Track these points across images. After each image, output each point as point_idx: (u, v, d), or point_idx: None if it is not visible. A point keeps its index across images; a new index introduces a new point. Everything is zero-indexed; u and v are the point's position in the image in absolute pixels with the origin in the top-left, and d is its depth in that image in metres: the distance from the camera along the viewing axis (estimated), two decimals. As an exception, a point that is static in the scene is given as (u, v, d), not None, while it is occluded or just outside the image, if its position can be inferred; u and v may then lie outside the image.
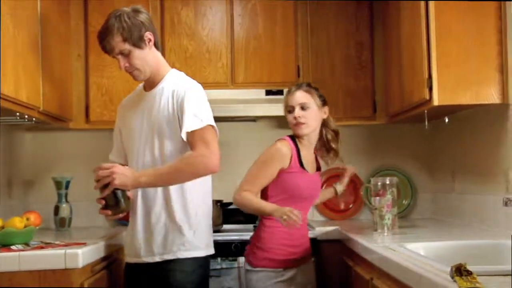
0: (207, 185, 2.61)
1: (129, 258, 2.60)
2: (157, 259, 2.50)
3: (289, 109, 2.76)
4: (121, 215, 2.48)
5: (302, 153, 2.76)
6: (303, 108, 2.73)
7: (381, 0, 3.60)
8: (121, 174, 2.37)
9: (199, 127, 2.42)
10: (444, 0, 2.71)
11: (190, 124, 2.43)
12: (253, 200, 2.66)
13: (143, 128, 2.54)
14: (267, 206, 2.64)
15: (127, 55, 2.50)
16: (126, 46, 2.48)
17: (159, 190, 2.50)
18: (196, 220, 2.52)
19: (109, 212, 2.42)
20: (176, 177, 2.44)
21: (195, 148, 2.41)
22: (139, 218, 2.53)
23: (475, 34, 2.73)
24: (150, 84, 2.59)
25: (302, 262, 2.77)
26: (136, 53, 2.50)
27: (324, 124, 2.82)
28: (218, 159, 2.41)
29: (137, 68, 2.52)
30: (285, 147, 2.71)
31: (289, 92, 2.81)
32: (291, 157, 2.71)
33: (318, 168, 2.89)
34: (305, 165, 2.75)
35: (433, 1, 2.73)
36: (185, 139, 2.44)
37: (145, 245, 2.52)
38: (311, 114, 2.74)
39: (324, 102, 2.79)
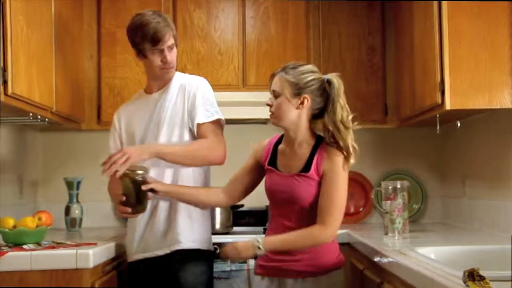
0: (208, 184, 2.75)
1: (135, 256, 2.62)
2: (167, 250, 2.57)
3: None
4: (138, 215, 2.51)
5: (280, 149, 2.44)
6: (275, 96, 2.36)
7: (393, 0, 3.60)
8: (133, 149, 2.47)
9: (210, 119, 2.59)
10: (457, 0, 2.70)
11: (202, 116, 2.58)
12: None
13: (150, 127, 2.64)
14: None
15: (170, 51, 2.61)
16: (173, 42, 2.62)
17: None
18: (199, 214, 2.64)
19: (129, 209, 2.45)
20: (187, 156, 2.56)
21: (206, 138, 2.57)
22: (146, 213, 2.56)
23: (488, 38, 2.72)
24: (160, 84, 2.68)
25: (288, 275, 2.37)
26: (175, 50, 2.65)
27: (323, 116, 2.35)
28: (225, 151, 2.61)
29: (174, 65, 2.66)
30: (264, 141, 2.51)
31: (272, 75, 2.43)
32: (263, 153, 2.47)
33: (307, 169, 2.34)
34: (278, 164, 2.41)
35: (445, 5, 2.72)
36: (195, 130, 2.58)
37: (154, 239, 2.59)
38: (280, 105, 2.34)
39: (300, 92, 2.31)
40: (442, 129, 3.11)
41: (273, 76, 2.39)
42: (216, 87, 3.55)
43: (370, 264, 2.71)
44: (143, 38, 2.56)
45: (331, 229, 2.29)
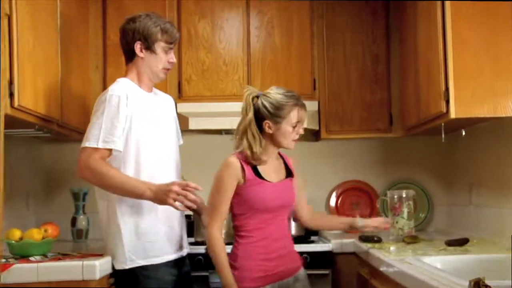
0: None
1: (166, 256, 2.60)
2: (188, 250, 2.78)
3: (294, 125, 2.54)
4: None
5: (265, 165, 2.55)
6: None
7: (398, 1, 3.60)
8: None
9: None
10: (461, 0, 2.72)
11: (181, 137, 2.90)
12: (219, 255, 2.47)
13: (164, 126, 2.73)
14: (226, 275, 2.45)
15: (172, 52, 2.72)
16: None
17: None
18: None
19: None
20: None
21: None
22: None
23: (492, 46, 2.72)
24: (150, 86, 2.75)
25: (285, 275, 2.55)
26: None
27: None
28: None
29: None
30: (233, 160, 2.52)
31: (300, 104, 2.55)
32: (243, 170, 2.51)
33: (290, 175, 2.63)
34: (264, 175, 2.53)
35: (449, 13, 2.72)
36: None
37: (183, 238, 2.74)
38: None
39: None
40: (447, 137, 3.11)
41: (302, 106, 2.56)
42: (221, 97, 3.62)
43: (376, 274, 2.70)
44: (163, 31, 2.62)
45: None
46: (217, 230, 2.49)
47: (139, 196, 2.45)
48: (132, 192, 2.46)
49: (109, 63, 3.59)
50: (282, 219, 2.60)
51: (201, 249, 3.13)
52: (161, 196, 2.42)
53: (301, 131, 2.57)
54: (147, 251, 2.53)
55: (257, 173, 2.53)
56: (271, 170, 2.58)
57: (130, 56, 2.68)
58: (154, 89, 2.81)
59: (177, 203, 2.42)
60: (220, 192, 2.50)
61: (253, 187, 2.51)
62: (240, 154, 2.54)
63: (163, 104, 2.80)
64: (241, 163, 2.51)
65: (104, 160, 2.49)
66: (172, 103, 2.90)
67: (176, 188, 2.40)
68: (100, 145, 2.47)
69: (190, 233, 3.08)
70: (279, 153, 2.66)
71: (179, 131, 2.89)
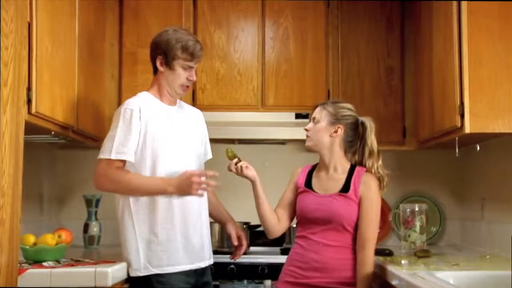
0: None
1: (181, 266, 2.59)
2: (210, 262, 2.75)
3: None
4: None
5: (316, 173, 2.71)
6: (314, 123, 2.69)
7: (413, 12, 3.61)
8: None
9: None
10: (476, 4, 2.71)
11: (210, 153, 2.90)
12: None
13: (185, 139, 2.71)
14: None
15: (195, 73, 2.72)
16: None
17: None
18: None
19: None
20: None
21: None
22: (194, 222, 2.63)
23: (508, 60, 2.71)
24: (171, 101, 2.75)
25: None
26: None
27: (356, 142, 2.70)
28: None
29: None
30: (300, 168, 2.78)
31: None
32: (299, 176, 2.72)
33: (345, 190, 2.61)
34: (313, 185, 2.66)
35: (465, 27, 2.71)
36: (203, 161, 2.83)
37: (206, 247, 2.71)
38: (317, 129, 2.66)
39: (337, 121, 2.64)
40: (461, 151, 3.09)
41: (315, 106, 2.72)
42: (235, 107, 3.63)
43: (388, 287, 2.69)
44: (183, 49, 2.62)
45: (373, 251, 2.58)
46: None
47: (162, 193, 2.55)
48: (153, 192, 2.55)
49: (125, 72, 3.62)
50: (320, 232, 2.60)
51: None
52: (185, 188, 2.54)
53: (308, 127, 2.72)
54: (161, 260, 2.54)
55: (308, 184, 2.67)
56: (323, 181, 2.67)
57: (154, 69, 2.72)
58: (181, 103, 2.82)
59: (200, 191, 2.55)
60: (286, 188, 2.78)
61: (300, 194, 2.68)
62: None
63: (187, 118, 2.78)
64: (303, 170, 2.75)
65: (119, 169, 2.53)
66: (199, 117, 2.89)
67: (197, 179, 2.51)
68: (113, 156, 2.53)
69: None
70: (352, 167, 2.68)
71: (208, 145, 2.89)
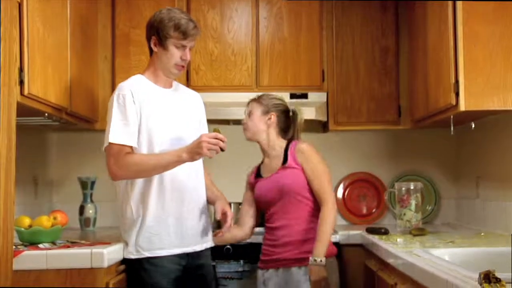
0: None
1: (172, 250, 2.58)
2: (207, 245, 2.72)
3: None
4: None
5: (262, 164, 2.90)
6: (249, 115, 2.86)
7: (407, 0, 3.59)
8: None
9: None
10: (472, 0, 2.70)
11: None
12: None
13: (180, 121, 2.68)
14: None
15: (189, 52, 2.65)
16: (193, 46, 2.69)
17: (199, 176, 2.71)
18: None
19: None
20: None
21: None
22: (187, 206, 2.62)
23: (503, 40, 2.70)
24: (166, 82, 2.71)
25: (287, 263, 2.72)
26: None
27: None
28: None
29: (185, 67, 2.71)
30: (251, 169, 2.98)
31: None
32: (251, 174, 2.94)
33: (285, 162, 2.78)
34: (262, 173, 2.88)
35: (460, 9, 2.71)
36: None
37: (203, 231, 2.69)
38: (252, 120, 2.84)
39: (269, 109, 2.84)
40: (456, 130, 3.09)
41: (248, 103, 2.89)
42: (229, 87, 3.62)
43: (383, 266, 2.71)
44: (175, 27, 2.58)
45: (333, 203, 2.71)
46: None
47: (180, 162, 2.50)
48: (171, 165, 2.51)
49: (118, 53, 3.59)
50: (277, 212, 2.78)
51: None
52: (195, 150, 2.44)
53: (244, 120, 2.90)
54: (153, 243, 2.54)
55: (258, 171, 2.89)
56: (269, 166, 2.86)
57: (150, 50, 2.69)
58: (177, 85, 2.79)
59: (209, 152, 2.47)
60: None
61: (255, 186, 2.88)
62: None
63: (183, 100, 2.75)
64: (254, 168, 2.96)
65: (129, 154, 2.53)
66: (196, 99, 2.85)
67: (206, 138, 2.44)
68: (120, 142, 2.52)
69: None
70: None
71: (205, 127, 2.84)
